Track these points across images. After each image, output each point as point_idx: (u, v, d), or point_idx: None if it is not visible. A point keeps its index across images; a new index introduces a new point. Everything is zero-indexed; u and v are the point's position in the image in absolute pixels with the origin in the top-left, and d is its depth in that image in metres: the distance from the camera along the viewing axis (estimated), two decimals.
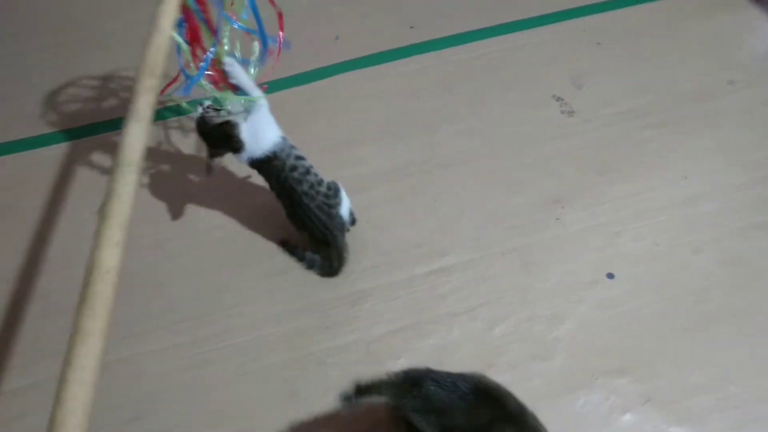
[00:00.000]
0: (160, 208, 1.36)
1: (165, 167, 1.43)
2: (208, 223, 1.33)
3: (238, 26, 1.18)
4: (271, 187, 1.19)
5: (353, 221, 1.27)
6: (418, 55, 1.62)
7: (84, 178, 1.43)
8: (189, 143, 1.47)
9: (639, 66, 1.59)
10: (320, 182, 1.18)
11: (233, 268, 1.26)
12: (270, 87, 1.56)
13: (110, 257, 0.79)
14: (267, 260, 1.26)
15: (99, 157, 1.45)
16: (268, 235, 1.30)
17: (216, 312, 1.20)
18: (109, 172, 0.88)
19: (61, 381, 0.70)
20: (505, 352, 1.13)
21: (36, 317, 1.22)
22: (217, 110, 1.15)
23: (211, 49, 1.11)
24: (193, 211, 1.35)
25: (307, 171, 1.16)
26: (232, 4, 1.17)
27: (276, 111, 1.49)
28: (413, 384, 0.89)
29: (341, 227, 1.21)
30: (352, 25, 1.70)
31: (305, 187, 1.15)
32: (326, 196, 1.18)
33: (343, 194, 1.21)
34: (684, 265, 1.23)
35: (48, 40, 1.74)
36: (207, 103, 1.16)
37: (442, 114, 1.50)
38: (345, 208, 1.21)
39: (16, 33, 1.78)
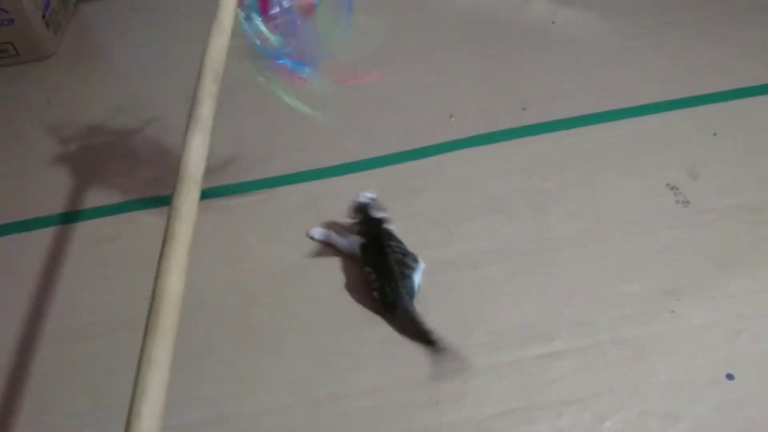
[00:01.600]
0: (280, 267, 1.45)
1: (283, 227, 1.53)
2: (325, 287, 1.40)
3: None
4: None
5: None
6: (530, 136, 1.67)
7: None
8: (302, 209, 1.57)
9: (756, 159, 1.57)
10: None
11: (348, 332, 1.31)
12: (386, 160, 1.67)
13: (178, 283, 0.72)
14: (381, 328, 1.31)
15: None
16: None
17: (330, 375, 1.25)
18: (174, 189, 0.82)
19: (134, 413, 0.66)
20: None
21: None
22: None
23: None
24: (310, 274, 1.43)
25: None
26: None
27: (391, 183, 1.60)
28: None
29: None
30: (466, 104, 1.78)
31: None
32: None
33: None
34: None
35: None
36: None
37: (552, 196, 1.53)
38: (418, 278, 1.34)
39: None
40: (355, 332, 1.31)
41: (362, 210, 1.40)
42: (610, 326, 1.28)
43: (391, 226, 1.40)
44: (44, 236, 1.58)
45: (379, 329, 1.31)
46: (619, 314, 1.29)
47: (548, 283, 1.36)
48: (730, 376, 1.19)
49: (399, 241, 1.37)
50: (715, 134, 1.63)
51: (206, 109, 0.83)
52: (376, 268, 1.34)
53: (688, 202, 1.48)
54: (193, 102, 0.83)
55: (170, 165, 1.66)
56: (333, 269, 1.43)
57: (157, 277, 0.72)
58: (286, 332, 1.33)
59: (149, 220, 1.59)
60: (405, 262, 1.33)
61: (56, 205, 1.65)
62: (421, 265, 1.35)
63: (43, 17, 2.08)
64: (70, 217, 1.62)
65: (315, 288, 1.40)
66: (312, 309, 1.37)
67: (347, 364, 1.26)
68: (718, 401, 1.16)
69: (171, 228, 0.74)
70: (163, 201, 1.64)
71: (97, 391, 1.27)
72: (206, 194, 1.62)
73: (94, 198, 1.66)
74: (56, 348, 1.36)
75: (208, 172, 1.64)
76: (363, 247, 1.38)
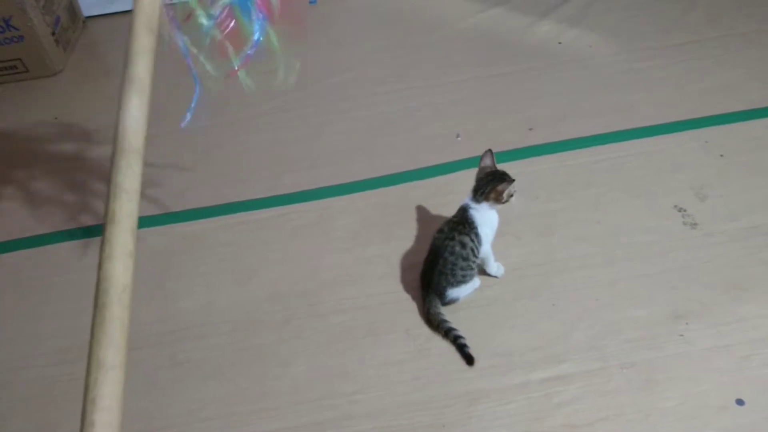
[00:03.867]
0: (285, 288, 1.45)
1: (289, 246, 1.53)
2: (331, 307, 1.39)
3: None
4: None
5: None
6: (536, 156, 1.67)
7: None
8: (309, 228, 1.57)
9: (763, 181, 1.56)
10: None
11: (354, 354, 1.30)
12: (393, 179, 1.67)
13: (125, 271, 0.64)
14: (386, 349, 1.31)
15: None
16: (389, 325, 1.35)
17: (336, 397, 1.24)
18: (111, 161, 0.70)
19: (88, 424, 0.58)
20: None
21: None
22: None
23: None
24: (316, 294, 1.43)
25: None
26: None
27: (399, 202, 1.60)
28: None
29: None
30: (473, 124, 1.79)
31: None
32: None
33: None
34: None
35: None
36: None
37: (560, 217, 1.52)
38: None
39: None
40: (360, 354, 1.31)
41: (493, 177, 1.33)
42: (618, 350, 1.27)
43: (490, 220, 1.34)
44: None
45: (384, 351, 1.30)
46: (628, 338, 1.28)
47: (556, 306, 1.35)
48: (740, 402, 1.17)
49: (474, 243, 1.31)
50: (722, 155, 1.63)
51: (143, 67, 0.72)
52: (440, 239, 1.32)
53: (696, 224, 1.48)
54: (126, 60, 0.72)
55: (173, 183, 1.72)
56: (338, 290, 1.43)
57: (100, 266, 0.64)
58: (291, 353, 1.32)
59: (154, 239, 1.59)
60: (462, 259, 1.29)
61: (60, 223, 1.66)
62: (476, 283, 1.36)
63: (53, 34, 2.10)
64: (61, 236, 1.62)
65: (320, 309, 1.40)
66: (317, 330, 1.36)
67: (352, 387, 1.25)
68: (728, 427, 1.14)
69: (112, 208, 0.65)
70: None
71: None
72: (211, 213, 1.64)
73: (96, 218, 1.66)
74: None
75: (213, 189, 1.68)
76: (454, 220, 1.34)
